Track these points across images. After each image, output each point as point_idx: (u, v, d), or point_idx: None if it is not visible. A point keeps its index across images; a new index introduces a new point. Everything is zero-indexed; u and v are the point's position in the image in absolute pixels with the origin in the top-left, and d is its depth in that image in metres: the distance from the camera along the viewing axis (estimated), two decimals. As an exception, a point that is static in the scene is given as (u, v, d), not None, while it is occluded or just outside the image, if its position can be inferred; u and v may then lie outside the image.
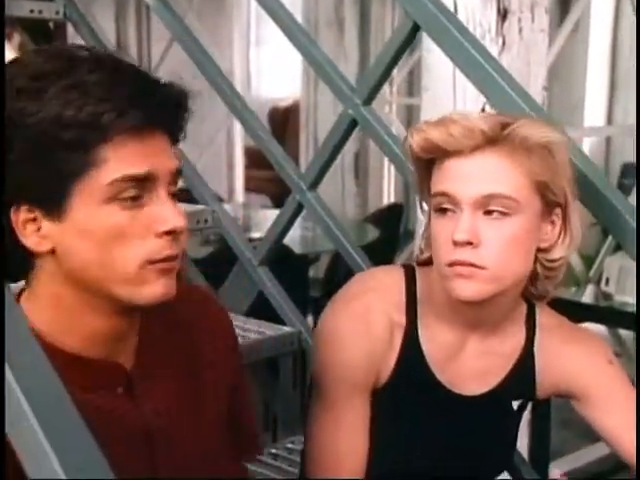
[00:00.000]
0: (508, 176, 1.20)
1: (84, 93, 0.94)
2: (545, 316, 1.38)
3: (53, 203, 0.97)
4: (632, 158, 5.22)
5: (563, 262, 1.29)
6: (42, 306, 1.03)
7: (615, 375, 1.35)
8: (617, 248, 4.20)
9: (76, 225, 0.97)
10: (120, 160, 0.96)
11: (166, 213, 0.99)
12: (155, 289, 1.00)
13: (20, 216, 0.98)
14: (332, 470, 1.30)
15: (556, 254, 1.27)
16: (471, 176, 1.21)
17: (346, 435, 1.29)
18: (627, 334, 4.13)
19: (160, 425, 1.08)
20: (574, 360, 1.36)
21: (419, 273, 1.35)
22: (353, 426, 1.30)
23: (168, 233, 0.99)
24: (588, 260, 4.40)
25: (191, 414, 1.13)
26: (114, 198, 0.96)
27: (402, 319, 1.32)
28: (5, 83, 0.96)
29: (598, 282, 4.22)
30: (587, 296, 4.35)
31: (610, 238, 4.31)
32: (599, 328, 3.69)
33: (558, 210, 1.25)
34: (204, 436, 1.14)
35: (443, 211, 1.23)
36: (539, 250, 1.26)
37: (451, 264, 1.22)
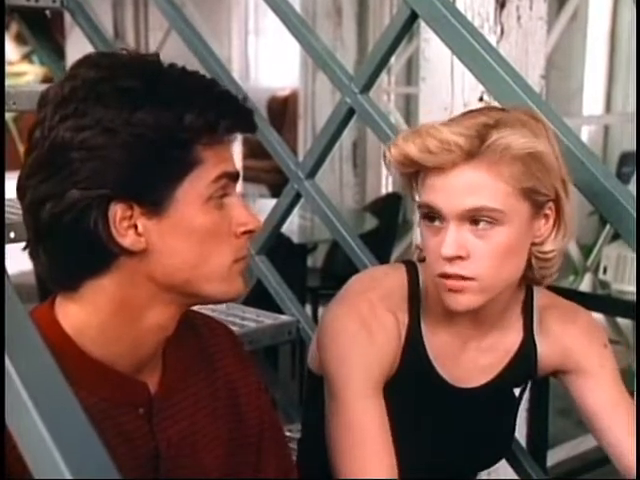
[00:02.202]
0: (491, 188, 1.18)
1: (185, 99, 0.97)
2: (541, 298, 1.38)
3: (156, 201, 0.97)
4: (630, 146, 5.22)
5: (557, 254, 1.27)
6: (92, 309, 1.01)
7: (608, 358, 1.37)
8: (615, 237, 4.20)
9: (179, 224, 0.98)
10: (217, 160, 1.00)
11: (245, 214, 1.03)
12: (239, 286, 1.05)
13: (118, 214, 0.96)
14: (363, 470, 1.24)
15: (549, 247, 1.26)
16: (454, 190, 1.18)
17: (369, 434, 1.24)
18: (625, 323, 4.14)
19: (170, 454, 1.08)
20: (572, 337, 1.37)
21: (421, 270, 1.34)
22: (375, 423, 1.25)
23: (246, 233, 1.03)
24: (586, 249, 4.40)
25: (205, 445, 1.12)
26: (212, 197, 1.00)
27: (405, 317, 1.32)
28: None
29: (596, 271, 4.22)
30: (585, 285, 4.35)
31: (608, 227, 4.31)
32: (597, 317, 3.69)
33: (551, 204, 1.24)
34: (217, 469, 1.13)
35: (431, 219, 1.22)
36: (533, 244, 1.25)
37: (441, 276, 1.21)
